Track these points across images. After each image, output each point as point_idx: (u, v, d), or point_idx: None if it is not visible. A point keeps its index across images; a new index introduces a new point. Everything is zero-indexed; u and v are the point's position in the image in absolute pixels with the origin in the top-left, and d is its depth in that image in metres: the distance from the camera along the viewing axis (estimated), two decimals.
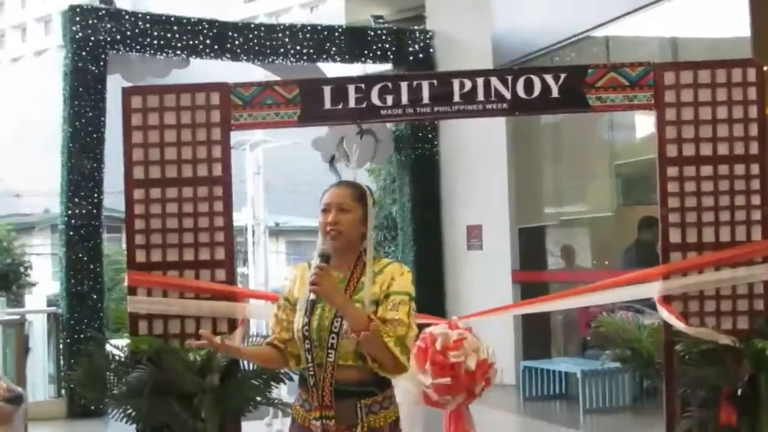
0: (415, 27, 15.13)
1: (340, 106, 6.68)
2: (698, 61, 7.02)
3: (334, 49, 14.05)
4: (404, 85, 6.71)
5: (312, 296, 4.12)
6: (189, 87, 6.75)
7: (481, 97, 6.65)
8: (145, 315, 6.55)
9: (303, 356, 4.25)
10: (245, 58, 13.65)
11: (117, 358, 6.53)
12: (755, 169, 6.54)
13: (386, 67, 14.78)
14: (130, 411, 6.33)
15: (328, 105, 6.67)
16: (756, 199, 6.53)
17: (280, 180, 28.21)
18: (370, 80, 6.88)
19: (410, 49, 14.60)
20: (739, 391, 6.14)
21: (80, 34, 12.45)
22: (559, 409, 12.10)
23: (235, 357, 4.45)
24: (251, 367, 6.38)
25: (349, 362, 4.18)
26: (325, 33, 14.09)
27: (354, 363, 4.19)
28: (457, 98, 6.68)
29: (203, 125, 6.64)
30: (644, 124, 11.71)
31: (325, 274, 4.11)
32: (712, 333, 6.30)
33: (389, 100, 6.68)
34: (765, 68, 6.73)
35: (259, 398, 6.45)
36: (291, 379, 6.03)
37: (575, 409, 11.55)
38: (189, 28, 13.18)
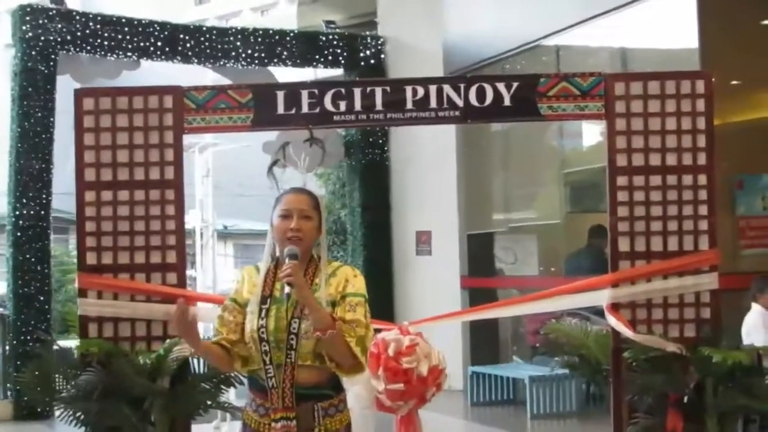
0: (367, 33, 15.18)
1: (293, 111, 6.68)
2: (648, 72, 7.10)
3: (285, 53, 14.07)
4: (357, 92, 6.73)
5: (287, 289, 4.12)
6: (142, 90, 6.73)
7: (433, 104, 6.69)
8: (96, 318, 6.52)
9: (259, 358, 4.26)
10: (197, 60, 13.63)
11: (66, 360, 6.50)
12: (703, 179, 6.62)
13: (338, 72, 14.81)
14: (79, 414, 6.29)
15: (281, 110, 6.68)
16: (703, 210, 6.61)
17: (229, 183, 28.15)
18: (323, 86, 6.90)
19: (362, 54, 14.66)
20: (686, 398, 6.22)
21: (30, 34, 12.37)
22: (506, 415, 12.15)
23: (193, 346, 4.41)
24: (202, 371, 6.38)
25: (308, 362, 4.22)
26: (277, 37, 14.11)
27: (312, 363, 4.22)
28: (409, 105, 6.71)
29: (156, 128, 6.61)
30: (593, 132, 11.82)
31: (298, 268, 4.16)
32: (659, 340, 6.36)
33: (342, 106, 6.70)
34: (713, 80, 6.82)
35: (209, 402, 6.44)
36: (241, 383, 6.03)
37: (522, 414, 11.62)
38: (140, 29, 13.14)
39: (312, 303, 4.16)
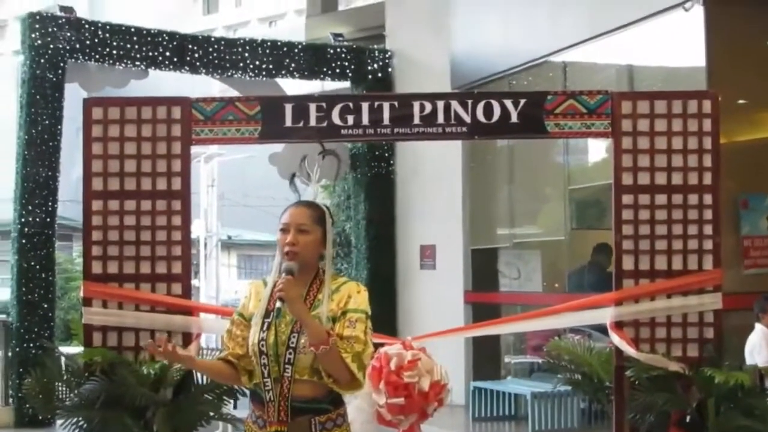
0: (375, 46, 15.19)
1: (300, 124, 6.71)
2: (655, 91, 7.14)
3: (293, 65, 14.09)
4: (365, 106, 6.76)
5: (278, 304, 4.13)
6: (150, 100, 6.76)
7: (441, 120, 6.71)
8: (100, 327, 6.54)
9: (258, 371, 4.27)
10: (204, 71, 13.65)
11: (69, 368, 6.51)
12: (708, 199, 6.64)
13: (345, 85, 14.83)
14: (81, 423, 6.31)
15: (289, 123, 6.70)
16: (708, 229, 6.63)
17: (234, 193, 28.19)
18: (331, 99, 6.91)
19: (369, 67, 14.67)
20: (688, 418, 6.23)
21: (39, 42, 12.39)
22: (507, 430, 12.14)
23: (188, 367, 4.44)
24: (204, 382, 6.39)
25: (305, 377, 4.21)
26: (285, 49, 14.12)
27: (310, 378, 4.22)
28: (417, 120, 6.73)
29: (164, 139, 6.65)
30: (599, 149, 11.83)
31: (291, 283, 4.16)
32: (662, 359, 6.38)
33: (350, 119, 6.72)
34: (720, 99, 6.83)
35: (211, 413, 6.46)
36: (244, 394, 6.04)
37: (524, 430, 11.60)
38: (149, 39, 13.16)
39: (305, 318, 4.16)
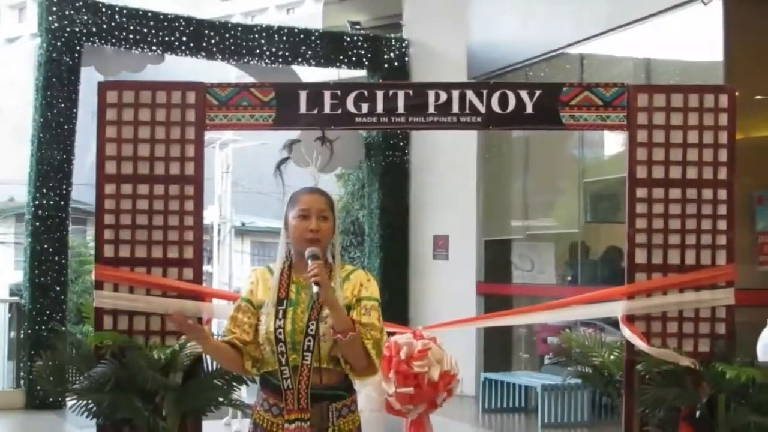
0: (392, 35, 15.17)
1: (315, 112, 6.69)
2: (672, 84, 7.12)
3: (309, 52, 14.09)
4: (380, 94, 6.73)
5: (315, 289, 4.11)
6: (165, 84, 6.74)
7: (455, 109, 6.68)
8: (111, 310, 6.53)
9: (275, 359, 4.27)
10: (220, 57, 13.66)
11: (80, 351, 6.52)
12: (723, 194, 6.61)
13: (361, 74, 14.82)
14: (91, 405, 6.31)
15: (303, 110, 6.68)
16: (722, 224, 6.60)
17: (248, 180, 28.20)
18: (346, 87, 6.88)
19: (385, 56, 14.66)
20: (698, 413, 6.21)
21: (56, 25, 12.41)
22: (517, 422, 12.15)
23: (201, 344, 4.43)
24: (214, 367, 6.39)
25: (324, 365, 4.24)
26: (302, 36, 14.13)
27: (327, 366, 4.25)
28: (431, 109, 6.70)
29: (178, 123, 6.63)
30: (614, 142, 11.79)
31: (323, 268, 4.17)
32: (673, 354, 6.35)
33: (364, 107, 6.70)
34: (737, 94, 6.80)
35: (221, 399, 6.45)
36: (254, 380, 6.04)
37: (533, 422, 11.61)
38: (165, 24, 13.18)
39: (336, 304, 4.18)
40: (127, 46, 12.96)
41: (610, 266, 11.53)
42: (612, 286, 7.14)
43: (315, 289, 4.12)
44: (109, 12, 12.81)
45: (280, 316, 4.27)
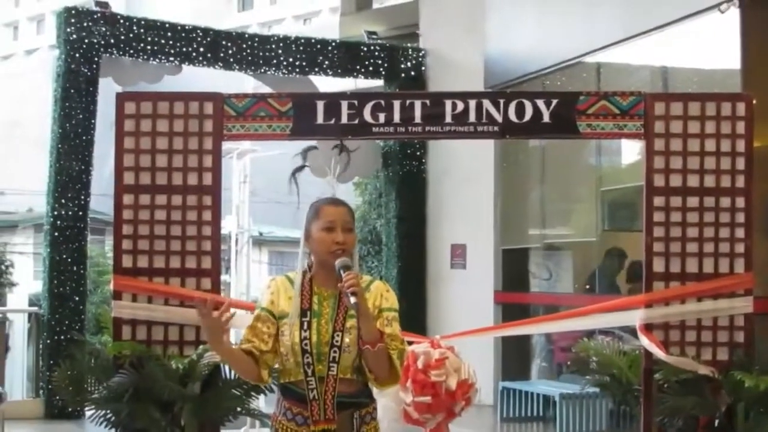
0: (408, 45, 15.16)
1: (332, 122, 6.72)
2: (689, 93, 7.11)
3: (326, 62, 14.10)
4: (397, 104, 6.76)
5: (353, 299, 4.11)
6: (183, 95, 6.78)
7: (472, 118, 6.70)
8: (129, 320, 6.57)
9: (298, 370, 4.29)
10: (238, 67, 13.68)
11: (99, 361, 6.55)
12: (741, 202, 6.60)
13: (378, 84, 14.82)
14: (109, 415, 6.35)
15: (320, 120, 6.71)
16: (740, 232, 6.60)
17: (266, 190, 28.22)
18: (363, 97, 6.91)
19: (402, 66, 14.65)
20: (716, 422, 6.20)
21: (74, 36, 12.46)
22: (536, 431, 12.11)
23: (220, 349, 4.37)
24: (232, 377, 6.40)
25: (348, 375, 4.30)
26: (319, 46, 14.13)
27: (351, 376, 4.31)
28: (448, 119, 6.72)
29: (195, 134, 6.67)
30: (631, 150, 11.77)
31: (359, 278, 4.21)
32: (691, 363, 6.35)
33: (381, 117, 6.72)
34: (754, 102, 6.79)
35: (239, 408, 6.48)
36: (272, 390, 6.04)
37: (552, 431, 11.57)
38: (183, 35, 13.20)
39: (369, 314, 4.23)
40: (145, 57, 12.99)
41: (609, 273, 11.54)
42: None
43: (353, 299, 4.13)
44: (127, 23, 12.85)
45: (305, 327, 4.30)
